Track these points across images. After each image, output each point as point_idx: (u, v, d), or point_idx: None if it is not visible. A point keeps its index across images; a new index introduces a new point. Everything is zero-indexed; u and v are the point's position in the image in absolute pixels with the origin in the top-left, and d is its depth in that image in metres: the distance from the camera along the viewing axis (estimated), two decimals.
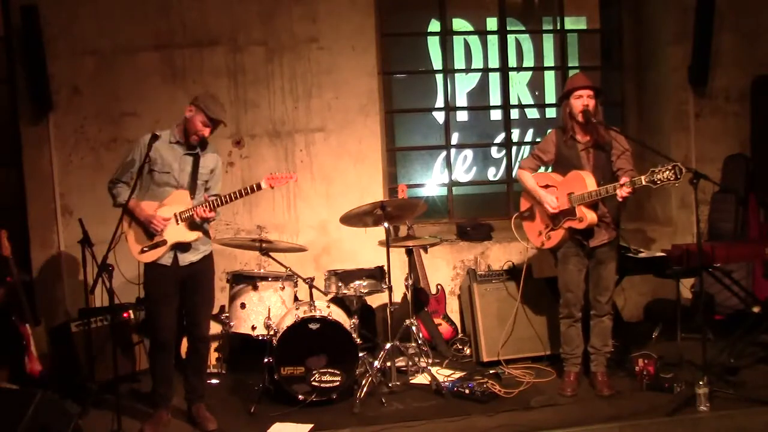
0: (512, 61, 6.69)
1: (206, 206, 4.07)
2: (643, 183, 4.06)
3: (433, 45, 6.63)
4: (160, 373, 4.25)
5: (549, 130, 4.72)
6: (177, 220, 4.10)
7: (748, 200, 6.05)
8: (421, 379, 4.84)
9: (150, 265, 4.15)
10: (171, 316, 4.21)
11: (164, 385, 4.26)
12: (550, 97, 6.81)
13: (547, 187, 4.57)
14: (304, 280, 4.86)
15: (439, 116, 6.62)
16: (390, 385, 4.70)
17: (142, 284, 4.28)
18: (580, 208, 4.36)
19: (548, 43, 6.82)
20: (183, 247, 4.15)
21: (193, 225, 4.14)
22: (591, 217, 4.36)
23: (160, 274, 4.14)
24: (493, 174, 6.77)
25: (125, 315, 5.11)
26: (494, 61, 6.68)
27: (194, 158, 4.18)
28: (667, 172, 3.95)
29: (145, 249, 4.11)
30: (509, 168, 6.66)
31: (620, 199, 4.19)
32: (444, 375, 4.88)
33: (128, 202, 4.07)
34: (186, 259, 4.18)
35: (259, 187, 4.18)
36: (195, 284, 4.23)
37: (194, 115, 4.10)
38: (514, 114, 6.77)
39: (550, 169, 4.71)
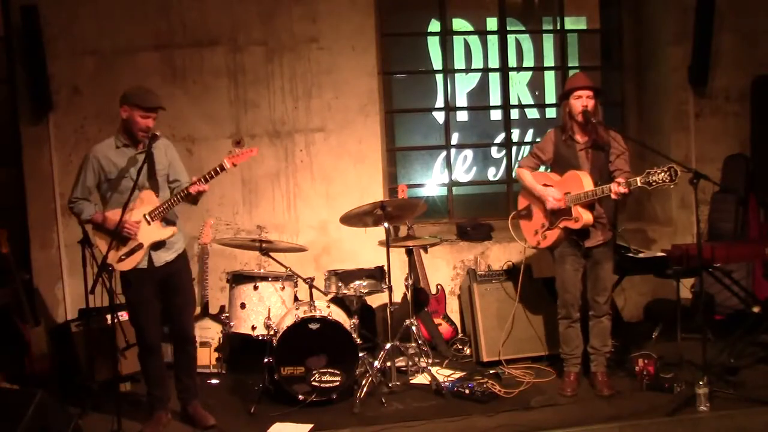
0: (512, 61, 6.68)
1: (193, 184, 3.99)
2: (639, 184, 4.05)
3: (433, 45, 6.63)
4: (152, 376, 4.25)
5: (549, 130, 4.72)
6: (148, 221, 4.06)
7: (748, 200, 6.05)
8: (421, 379, 4.84)
9: (126, 271, 4.10)
10: (155, 318, 4.19)
11: (158, 388, 4.26)
12: (550, 97, 6.81)
13: (545, 186, 4.58)
14: (304, 280, 4.86)
15: (439, 116, 6.62)
16: (390, 385, 4.70)
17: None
18: (576, 208, 4.36)
19: (548, 43, 6.81)
20: (157, 246, 4.11)
21: (166, 221, 4.12)
22: (587, 217, 4.36)
23: (138, 278, 4.10)
24: (493, 174, 6.76)
25: (125, 315, 5.10)
26: (494, 61, 6.67)
27: (147, 155, 4.06)
28: (663, 174, 3.94)
29: (122, 257, 4.05)
30: (509, 168, 6.66)
31: (614, 197, 4.16)
32: (444, 375, 4.88)
33: (94, 216, 4.05)
34: (161, 258, 4.14)
35: (222, 168, 4.05)
36: (174, 286, 4.20)
37: (131, 114, 4.00)
38: (514, 114, 6.77)
39: (549, 169, 4.71)
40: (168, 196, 4.13)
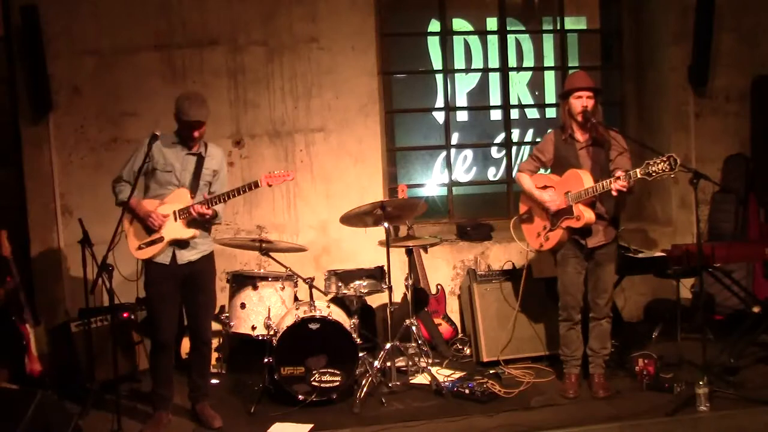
0: (512, 61, 6.68)
1: (204, 203, 4.07)
2: (639, 175, 4.04)
3: (433, 45, 6.63)
4: (160, 374, 4.25)
5: (549, 131, 4.71)
6: (175, 218, 4.10)
7: (748, 200, 6.06)
8: (421, 379, 4.84)
9: (149, 264, 4.15)
10: (172, 315, 4.21)
11: (164, 386, 4.27)
12: (550, 97, 6.81)
13: (545, 188, 4.57)
14: (304, 280, 4.86)
15: (439, 116, 6.62)
16: (390, 385, 4.70)
17: (142, 284, 4.28)
18: (577, 206, 4.35)
19: (548, 43, 6.81)
20: (181, 244, 4.15)
21: (191, 223, 4.14)
22: (588, 215, 4.35)
23: (160, 274, 4.14)
24: (493, 174, 6.76)
25: (125, 315, 5.11)
26: (494, 61, 6.67)
27: (198, 159, 4.19)
28: (662, 164, 3.94)
29: (142, 246, 4.12)
30: (509, 168, 6.66)
31: (614, 193, 4.15)
32: (444, 375, 4.88)
33: (129, 200, 4.08)
34: (184, 257, 4.17)
35: (257, 185, 4.17)
36: (196, 285, 4.23)
37: (177, 121, 4.12)
38: (514, 114, 6.77)
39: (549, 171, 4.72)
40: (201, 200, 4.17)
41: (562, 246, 4.53)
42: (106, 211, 4.39)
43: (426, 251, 5.67)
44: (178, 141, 4.17)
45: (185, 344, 4.70)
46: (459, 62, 6.67)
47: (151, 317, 4.30)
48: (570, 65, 6.71)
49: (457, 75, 6.64)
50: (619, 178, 4.11)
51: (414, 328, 4.98)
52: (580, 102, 4.39)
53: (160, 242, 4.11)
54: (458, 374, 4.94)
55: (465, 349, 5.48)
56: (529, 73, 6.82)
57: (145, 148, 4.11)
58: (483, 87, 6.74)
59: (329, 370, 4.47)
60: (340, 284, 4.98)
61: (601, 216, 4.43)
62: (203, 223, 4.22)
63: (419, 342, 5.01)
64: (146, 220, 4.08)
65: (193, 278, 4.22)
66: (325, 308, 4.65)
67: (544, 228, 4.58)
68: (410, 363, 4.95)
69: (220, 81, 5.81)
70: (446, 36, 6.57)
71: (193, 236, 4.16)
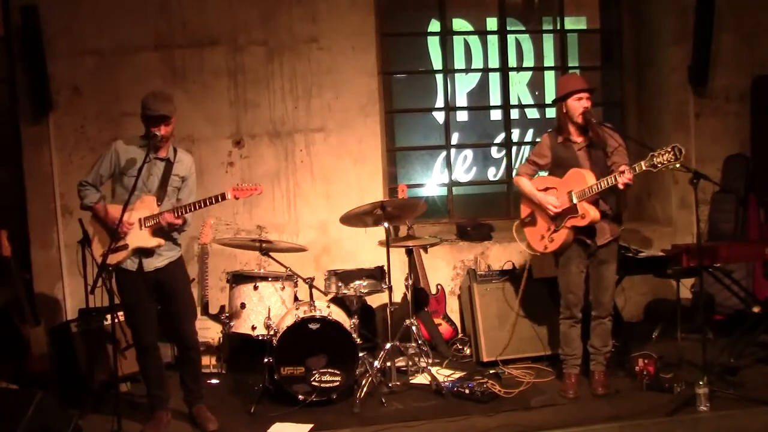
0: (512, 61, 6.68)
1: (173, 213, 4.03)
2: (644, 168, 4.04)
3: (433, 45, 6.63)
4: (151, 376, 4.25)
5: (543, 135, 4.72)
6: (141, 226, 4.06)
7: (748, 200, 6.06)
8: (421, 379, 4.84)
9: (118, 272, 4.11)
10: (149, 318, 4.18)
11: (158, 387, 4.26)
12: (550, 97, 6.79)
13: (546, 189, 4.57)
14: (304, 280, 4.86)
15: (439, 116, 6.62)
16: (390, 385, 4.70)
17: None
18: (581, 205, 4.35)
19: (548, 43, 6.81)
20: (145, 252, 4.11)
21: (156, 231, 4.09)
22: (593, 213, 4.35)
23: (129, 280, 4.11)
24: (493, 174, 6.76)
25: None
26: (494, 61, 6.67)
27: (166, 164, 4.13)
28: (667, 155, 3.93)
29: (105, 252, 4.06)
30: (509, 168, 6.66)
31: (621, 187, 4.16)
32: (444, 375, 4.88)
33: (96, 205, 4.07)
34: (151, 264, 4.13)
35: (223, 197, 4.10)
36: (170, 291, 4.19)
37: (143, 121, 4.06)
38: (514, 114, 6.77)
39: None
40: (169, 207, 4.12)
41: (567, 247, 4.51)
42: None
43: (426, 251, 5.67)
44: (146, 145, 4.06)
45: None
46: (459, 62, 6.67)
47: (130, 322, 4.27)
48: (570, 65, 6.72)
49: (457, 75, 6.64)
50: (623, 172, 4.11)
51: (414, 328, 4.98)
52: (581, 103, 4.40)
53: (124, 249, 4.06)
54: (458, 374, 4.94)
55: (465, 349, 5.48)
56: (529, 73, 6.82)
57: (114, 154, 4.09)
58: (483, 87, 6.74)
59: (329, 370, 4.47)
60: (340, 284, 4.98)
61: (605, 213, 4.44)
62: (169, 232, 4.15)
63: (419, 342, 5.01)
64: (112, 226, 4.00)
65: (165, 285, 4.17)
66: (325, 308, 4.65)
67: (548, 230, 4.56)
68: (410, 363, 4.95)
69: (220, 81, 5.81)
70: (446, 36, 6.57)
71: (158, 245, 4.10)
